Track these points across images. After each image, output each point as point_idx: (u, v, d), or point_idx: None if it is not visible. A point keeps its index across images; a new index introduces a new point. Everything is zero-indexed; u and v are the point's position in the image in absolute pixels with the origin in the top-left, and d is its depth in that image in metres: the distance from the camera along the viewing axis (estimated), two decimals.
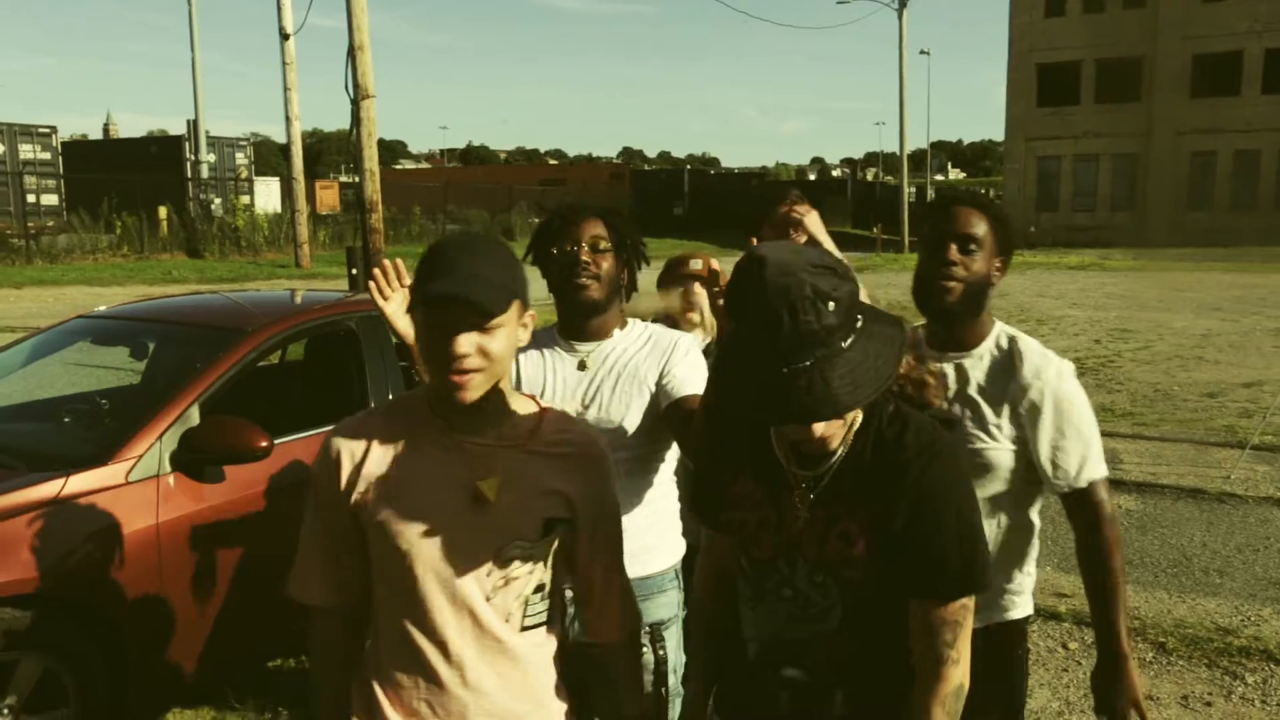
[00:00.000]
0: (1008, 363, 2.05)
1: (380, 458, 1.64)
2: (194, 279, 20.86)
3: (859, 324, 1.38)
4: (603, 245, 2.26)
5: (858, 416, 1.51)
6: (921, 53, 65.91)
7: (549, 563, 1.68)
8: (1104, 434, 7.58)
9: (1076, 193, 39.34)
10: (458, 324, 1.54)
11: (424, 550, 1.60)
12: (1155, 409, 8.68)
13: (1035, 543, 2.17)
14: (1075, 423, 2.03)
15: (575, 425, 1.76)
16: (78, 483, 3.00)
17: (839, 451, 1.50)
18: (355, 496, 1.63)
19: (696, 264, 3.01)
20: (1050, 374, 2.03)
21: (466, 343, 1.54)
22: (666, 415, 2.28)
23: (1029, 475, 2.08)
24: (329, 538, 1.68)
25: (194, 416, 3.27)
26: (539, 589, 1.67)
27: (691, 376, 2.30)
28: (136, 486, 3.08)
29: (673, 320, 2.97)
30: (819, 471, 1.50)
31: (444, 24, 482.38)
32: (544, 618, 1.70)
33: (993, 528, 2.05)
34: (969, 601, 1.48)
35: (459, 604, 1.61)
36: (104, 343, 4.36)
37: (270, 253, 26.28)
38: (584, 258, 2.24)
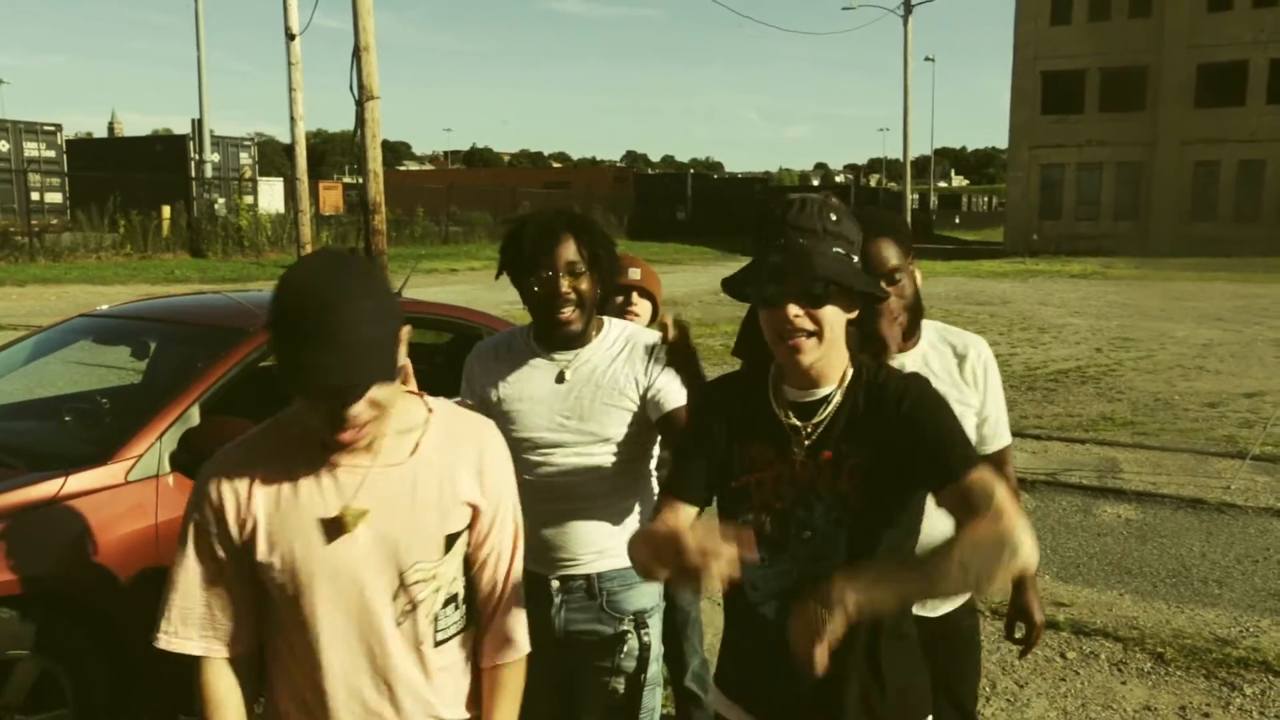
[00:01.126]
0: (950, 345, 2.31)
1: (264, 495, 1.54)
2: (196, 278, 20.88)
3: (854, 259, 1.66)
4: (579, 269, 2.24)
5: (849, 370, 1.69)
6: (926, 59, 66.04)
7: (456, 574, 1.64)
8: (1104, 443, 7.52)
9: (1080, 201, 39.33)
10: (345, 400, 1.45)
11: (322, 588, 1.54)
12: (1156, 418, 8.67)
13: None
14: (1000, 394, 2.33)
15: (465, 419, 1.70)
16: (77, 482, 3.00)
17: (834, 399, 1.68)
18: (243, 537, 1.54)
19: (635, 273, 2.99)
20: (987, 353, 2.32)
21: (359, 407, 1.46)
22: (659, 428, 2.31)
23: None
24: (211, 582, 1.57)
25: (194, 417, 3.27)
26: (449, 601, 1.63)
27: (675, 385, 2.31)
28: (136, 486, 3.08)
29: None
30: (818, 420, 1.67)
31: (449, 26, 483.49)
32: (459, 626, 1.66)
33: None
34: (984, 470, 1.60)
35: (367, 637, 1.56)
36: (105, 342, 4.36)
37: (273, 253, 26.30)
38: (563, 289, 2.22)
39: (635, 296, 2.99)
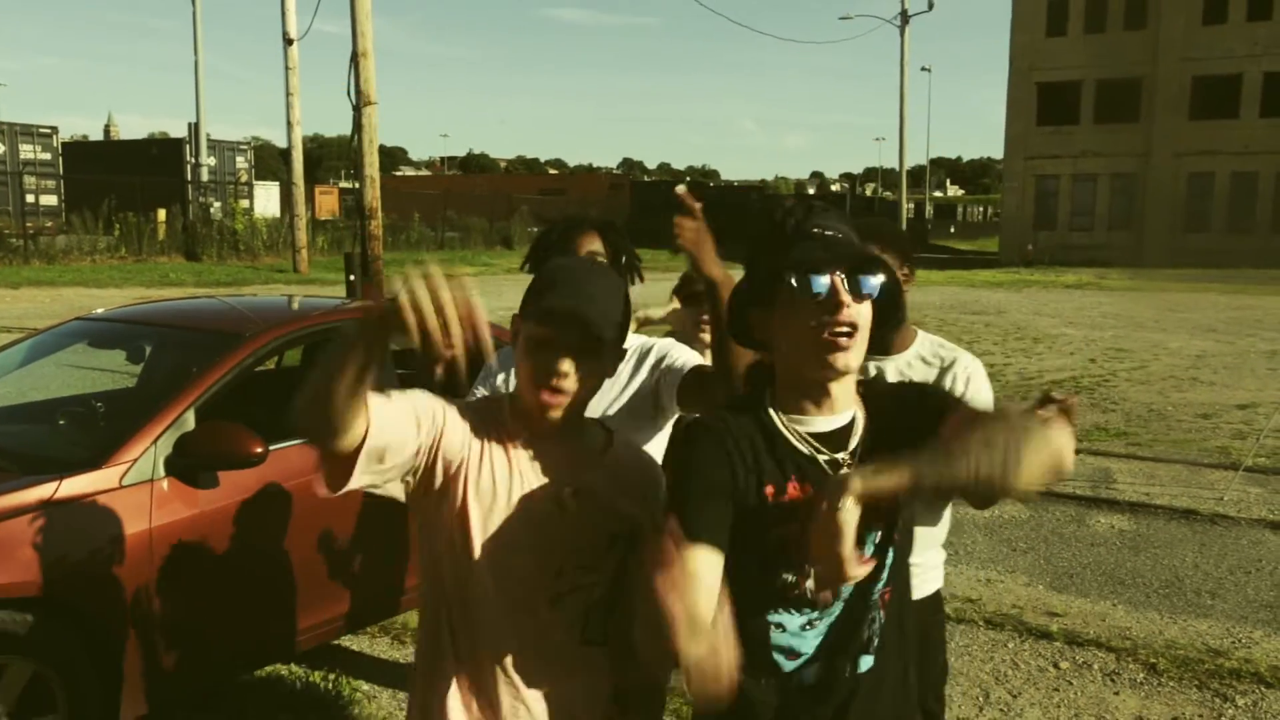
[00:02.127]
0: (936, 356, 2.38)
1: (475, 446, 1.64)
2: (191, 282, 20.85)
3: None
4: (600, 259, 2.27)
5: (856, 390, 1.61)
6: (922, 69, 66.32)
7: (615, 580, 1.71)
8: (1098, 453, 7.53)
9: (1074, 212, 39.47)
10: (565, 341, 1.60)
11: (496, 548, 1.62)
12: (1149, 429, 8.69)
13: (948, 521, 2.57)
14: (986, 401, 2.36)
15: (640, 449, 1.84)
16: (71, 486, 3.00)
17: (859, 421, 1.57)
18: (448, 462, 1.60)
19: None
20: (975, 369, 2.37)
21: (568, 363, 1.60)
22: (683, 391, 2.20)
23: None
24: (399, 423, 1.53)
25: (189, 421, 3.27)
26: (603, 603, 1.70)
27: (687, 354, 2.30)
28: (130, 491, 3.08)
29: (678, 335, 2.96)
30: (853, 447, 1.55)
31: (447, 33, 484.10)
32: (605, 636, 1.72)
33: (932, 518, 2.42)
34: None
35: (525, 606, 1.64)
36: (101, 345, 4.36)
37: (268, 257, 26.28)
38: None
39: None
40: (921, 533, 2.26)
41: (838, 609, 1.54)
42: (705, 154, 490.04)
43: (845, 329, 1.47)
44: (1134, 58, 37.66)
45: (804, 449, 1.53)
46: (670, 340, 2.44)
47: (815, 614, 1.53)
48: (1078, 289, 25.40)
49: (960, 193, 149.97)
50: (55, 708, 2.93)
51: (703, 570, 1.44)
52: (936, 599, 2.54)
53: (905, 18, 36.91)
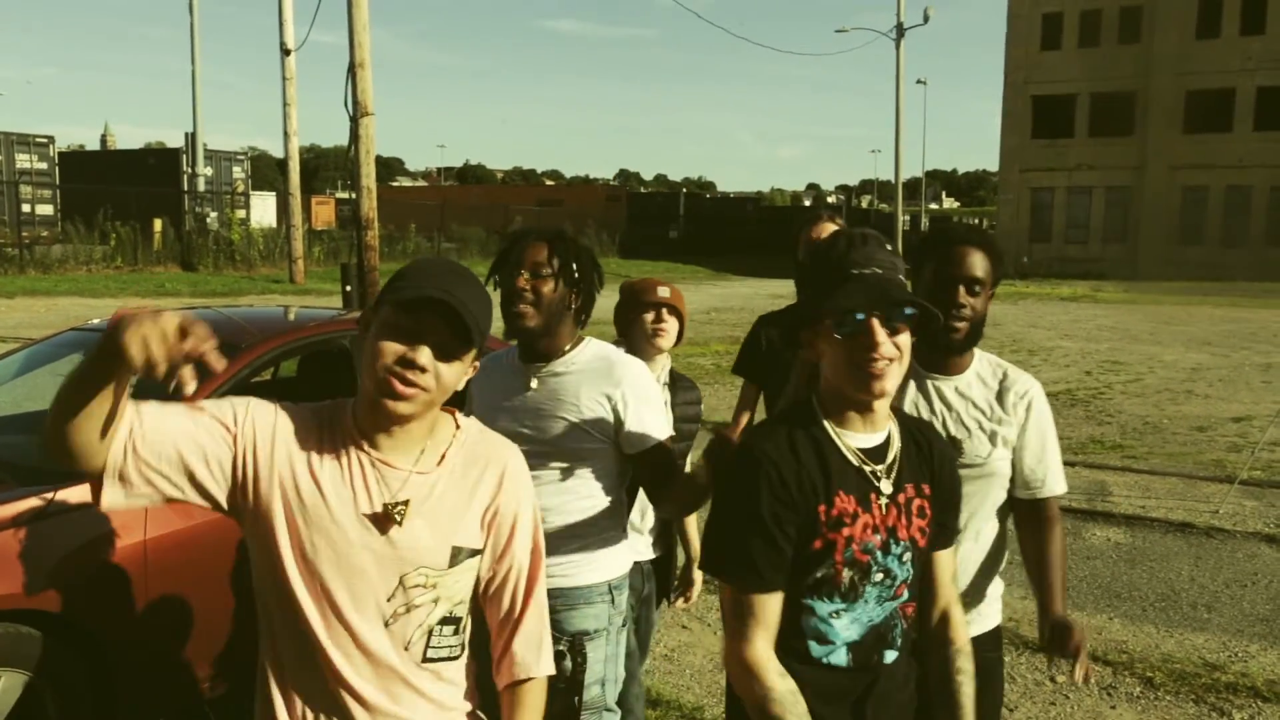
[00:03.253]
0: (998, 380, 2.25)
1: (299, 455, 1.56)
2: (187, 292, 20.82)
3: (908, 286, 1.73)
4: (544, 271, 2.28)
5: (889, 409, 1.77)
6: (918, 82, 66.50)
7: (462, 596, 1.64)
8: (1094, 466, 7.51)
9: (1069, 224, 39.60)
10: (426, 335, 1.52)
11: (323, 566, 1.55)
12: (1145, 442, 8.70)
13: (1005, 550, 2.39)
14: (1053, 437, 2.27)
15: (489, 439, 1.72)
16: (65, 497, 2.99)
17: (896, 438, 1.75)
18: (261, 470, 1.53)
19: (664, 291, 3.01)
20: (1035, 391, 2.26)
21: (427, 356, 1.52)
22: (635, 466, 2.30)
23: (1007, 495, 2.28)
24: (189, 436, 1.51)
25: None
26: (448, 621, 1.62)
27: (653, 421, 2.30)
28: None
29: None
30: (890, 461, 1.72)
31: (444, 44, 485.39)
32: (455, 652, 1.65)
33: (994, 535, 2.26)
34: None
35: (352, 627, 1.56)
36: None
37: (264, 267, 26.25)
38: (521, 285, 2.28)
39: (664, 314, 3.00)
40: (980, 561, 2.24)
41: (866, 605, 1.70)
42: (702, 165, 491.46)
43: (886, 359, 1.64)
44: (1128, 71, 37.86)
45: (853, 461, 1.70)
46: (641, 379, 2.36)
47: (843, 605, 1.69)
48: (1073, 301, 25.46)
49: (956, 205, 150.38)
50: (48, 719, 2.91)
51: (770, 612, 1.68)
52: (996, 635, 2.36)
53: (901, 31, 37.05)
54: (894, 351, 1.64)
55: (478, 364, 1.63)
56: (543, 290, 2.28)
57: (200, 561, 3.21)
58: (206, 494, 1.53)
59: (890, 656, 1.75)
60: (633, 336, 2.96)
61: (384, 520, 1.56)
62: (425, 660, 1.61)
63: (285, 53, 21.45)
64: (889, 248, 1.70)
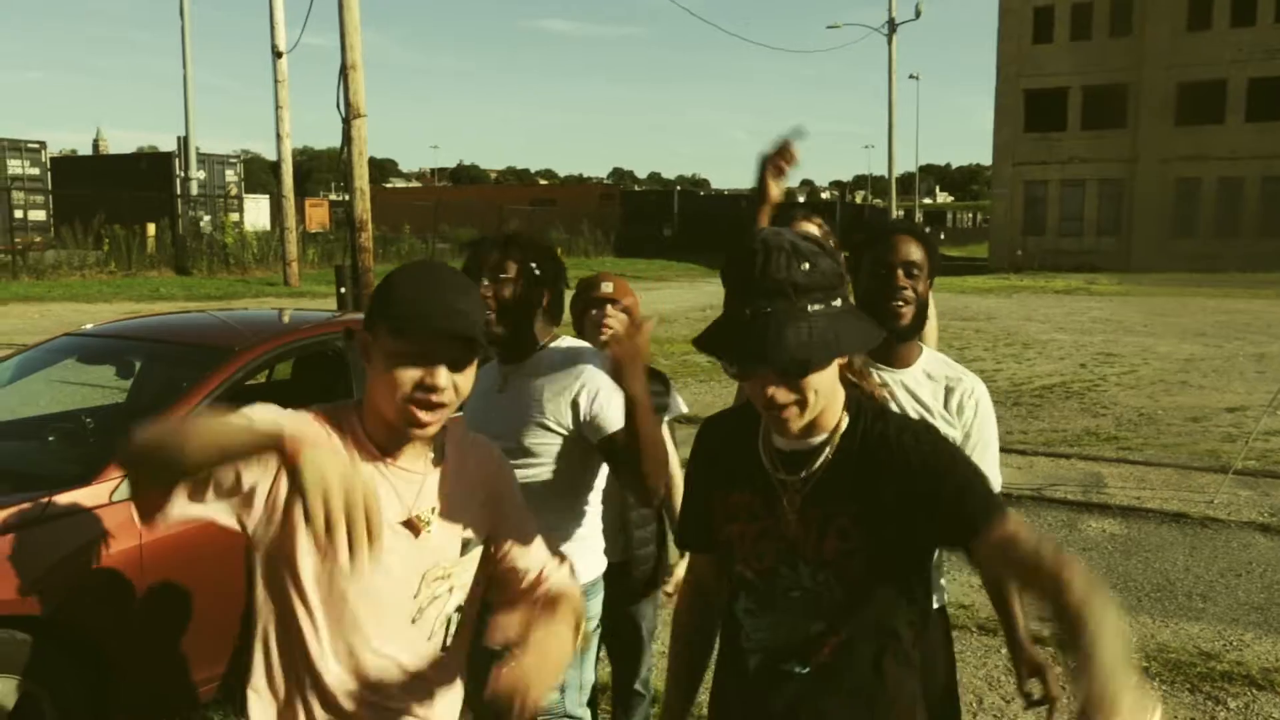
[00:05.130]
0: (943, 376, 2.29)
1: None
2: (182, 296, 20.79)
3: (834, 303, 1.47)
4: (503, 275, 2.30)
5: (844, 419, 1.55)
6: (911, 77, 66.43)
7: (468, 582, 1.70)
8: (1089, 458, 7.51)
9: (1063, 217, 39.66)
10: (439, 355, 1.51)
11: (355, 577, 1.57)
12: (1140, 433, 8.73)
13: None
14: (993, 437, 2.30)
15: (477, 441, 1.77)
16: (60, 503, 2.99)
17: (825, 453, 1.54)
18: (284, 487, 1.52)
19: (607, 286, 3.03)
20: (980, 391, 2.29)
21: (445, 376, 1.52)
22: (601, 451, 2.31)
23: None
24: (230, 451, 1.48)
25: None
26: (459, 609, 1.69)
27: (612, 408, 2.31)
28: (120, 507, 3.07)
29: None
30: (808, 474, 1.54)
31: (436, 45, 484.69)
32: (463, 641, 1.72)
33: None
34: (1015, 520, 1.46)
35: (385, 626, 1.60)
36: (90, 361, 4.35)
37: (259, 270, 26.21)
38: (482, 293, 2.27)
39: (610, 309, 3.01)
40: None
41: (782, 614, 1.57)
42: (695, 163, 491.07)
43: (784, 407, 1.48)
44: (1120, 64, 37.92)
45: (766, 463, 1.59)
46: (597, 374, 2.35)
47: (754, 605, 1.60)
48: (1067, 294, 25.50)
49: (949, 199, 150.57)
50: None
51: (699, 569, 1.77)
52: (944, 612, 2.42)
53: (893, 26, 37.08)
54: (791, 398, 1.46)
55: (472, 378, 1.65)
56: (504, 295, 2.30)
57: (196, 565, 3.21)
58: (239, 520, 1.56)
59: (801, 670, 1.58)
60: (584, 332, 2.99)
61: (414, 528, 1.60)
62: (444, 648, 1.67)
63: (277, 55, 21.41)
64: (805, 265, 1.43)
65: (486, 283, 2.30)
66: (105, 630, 3.00)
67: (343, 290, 12.22)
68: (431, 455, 1.64)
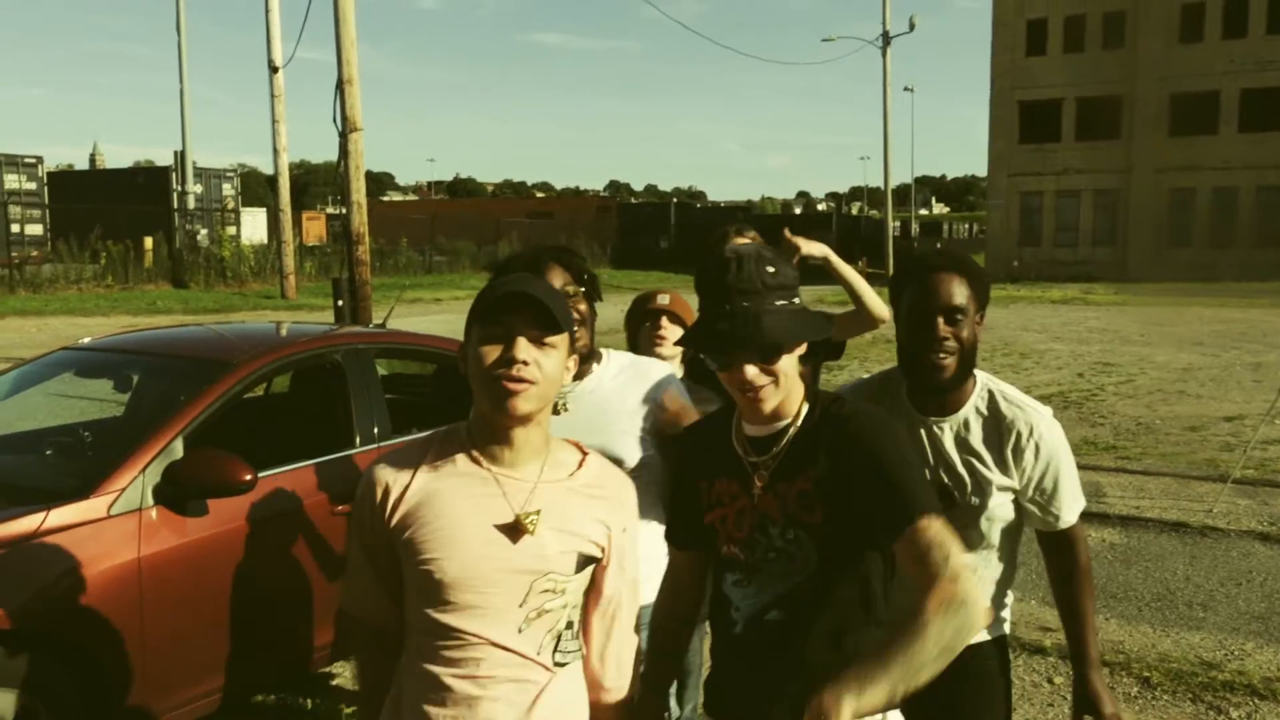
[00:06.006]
0: (997, 416, 2.11)
1: (421, 487, 1.65)
2: (179, 309, 20.78)
3: (795, 301, 1.72)
4: (571, 290, 2.29)
5: (804, 406, 1.76)
6: (905, 89, 66.89)
7: (579, 601, 1.70)
8: (1087, 467, 7.53)
9: (1059, 228, 39.79)
10: (519, 330, 1.59)
11: (459, 580, 1.60)
12: (1138, 442, 8.73)
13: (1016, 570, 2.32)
14: (1066, 469, 2.13)
15: (614, 470, 1.81)
16: (58, 516, 2.97)
17: (789, 433, 1.74)
18: (394, 524, 1.64)
19: (664, 299, 3.04)
20: (1040, 424, 2.10)
21: (525, 348, 1.58)
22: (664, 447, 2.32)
23: (1020, 518, 2.20)
24: (375, 565, 1.70)
25: (178, 449, 3.25)
26: (569, 625, 1.69)
27: (687, 406, 2.34)
28: (118, 520, 3.06)
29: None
30: (775, 451, 1.74)
31: (432, 58, 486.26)
32: (578, 656, 1.72)
33: (996, 567, 2.21)
34: (936, 522, 1.60)
35: (491, 635, 1.62)
36: (88, 374, 4.34)
37: (256, 283, 26.21)
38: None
39: (665, 321, 3.01)
40: (990, 585, 2.18)
41: (769, 578, 1.74)
42: (691, 175, 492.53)
43: (761, 386, 1.68)
44: (1113, 76, 38.12)
45: (738, 450, 1.78)
46: (665, 371, 2.44)
47: (741, 575, 1.77)
48: (1064, 304, 25.55)
49: (945, 210, 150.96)
50: None
51: (677, 568, 1.94)
52: (1000, 643, 2.25)
53: (887, 39, 37.24)
54: (765, 380, 1.69)
55: (574, 358, 1.71)
56: (581, 309, 2.30)
57: (195, 579, 3.20)
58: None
59: (774, 616, 1.75)
60: (638, 344, 3.00)
61: (516, 530, 1.62)
62: (555, 665, 1.67)
63: (273, 70, 21.47)
64: (770, 269, 1.68)
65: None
66: (103, 643, 2.98)
67: (340, 303, 12.20)
68: (547, 467, 1.68)
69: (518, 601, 1.62)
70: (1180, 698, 3.97)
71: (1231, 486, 6.89)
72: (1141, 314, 22.08)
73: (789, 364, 1.70)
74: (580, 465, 1.72)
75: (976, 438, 2.08)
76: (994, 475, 2.08)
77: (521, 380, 1.57)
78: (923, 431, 2.12)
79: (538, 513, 1.62)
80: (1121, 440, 8.83)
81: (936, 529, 1.58)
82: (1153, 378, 12.57)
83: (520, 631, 1.63)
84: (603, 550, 1.70)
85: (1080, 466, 7.62)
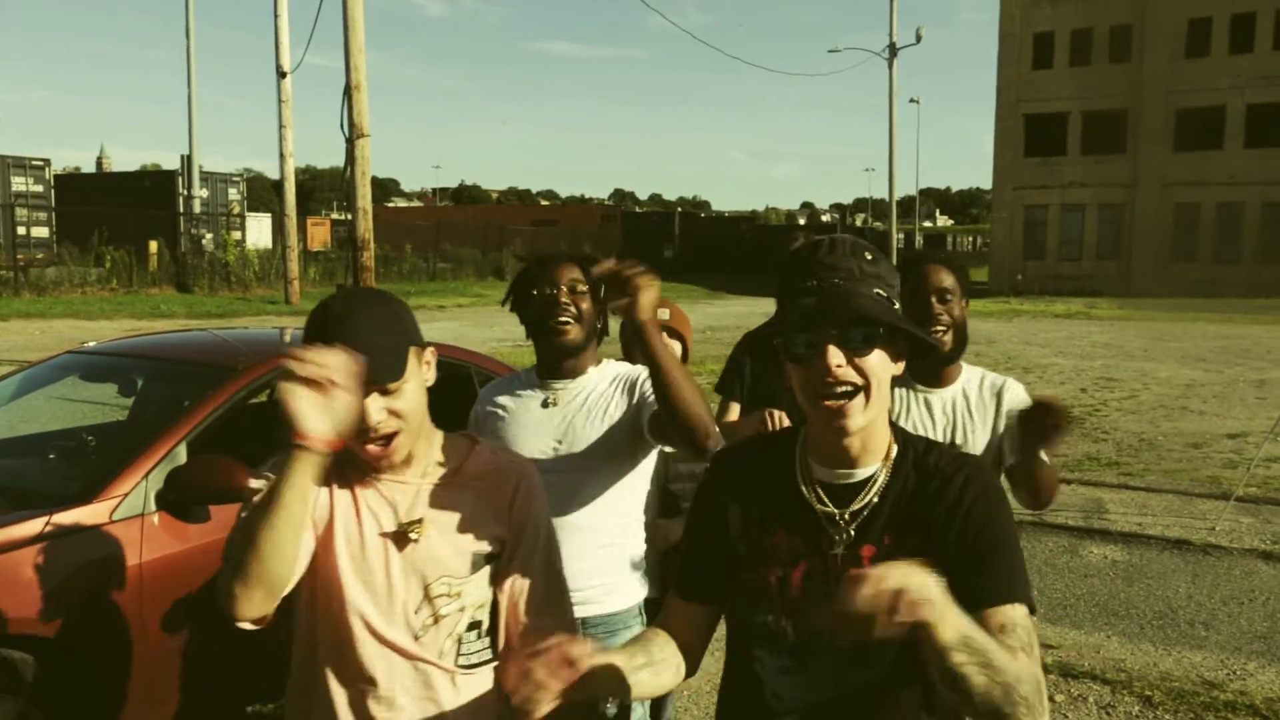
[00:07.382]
0: (989, 389, 2.51)
1: (327, 498, 1.66)
2: (183, 314, 20.81)
3: (894, 303, 1.44)
4: (580, 288, 2.34)
5: (893, 448, 1.47)
6: (911, 101, 66.82)
7: (483, 600, 1.69)
8: (1090, 483, 7.50)
9: (1063, 241, 39.77)
10: (366, 393, 1.55)
11: (350, 589, 1.61)
12: (1141, 459, 8.71)
13: None
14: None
15: (505, 453, 1.80)
16: (61, 521, 2.98)
17: (879, 480, 1.44)
18: (316, 530, 1.65)
19: (664, 313, 3.03)
20: (1019, 393, 2.50)
21: (375, 410, 1.57)
22: (653, 423, 2.24)
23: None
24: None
25: (181, 455, 3.25)
26: (474, 627, 1.68)
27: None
28: (120, 525, 3.06)
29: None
30: (858, 507, 1.43)
31: (439, 66, 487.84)
32: (486, 657, 1.70)
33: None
34: (1028, 615, 1.41)
35: (386, 642, 1.62)
36: (92, 379, 4.34)
37: (260, 288, 26.25)
38: (563, 299, 2.32)
39: (664, 337, 3.02)
40: None
41: (822, 669, 1.44)
42: (696, 185, 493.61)
43: (847, 389, 1.38)
44: (1119, 90, 38.14)
45: (808, 496, 1.46)
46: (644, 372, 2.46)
47: (791, 661, 1.45)
48: (1067, 318, 25.53)
49: (949, 223, 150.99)
50: None
51: (675, 624, 1.54)
52: None
53: (893, 51, 37.32)
54: (855, 377, 1.38)
55: (431, 349, 1.68)
56: (581, 306, 2.34)
57: (195, 584, 3.20)
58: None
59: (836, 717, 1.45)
60: (634, 356, 2.99)
61: (401, 539, 1.63)
62: (458, 668, 1.67)
63: (281, 75, 21.54)
64: (868, 255, 1.43)
65: (565, 291, 2.33)
66: (104, 650, 2.98)
67: None
68: (430, 466, 1.67)
69: (413, 608, 1.63)
70: (1182, 717, 3.95)
71: (1234, 504, 6.87)
72: (1145, 329, 22.05)
73: (882, 367, 1.39)
74: (468, 457, 1.71)
75: (973, 405, 2.47)
76: (978, 437, 2.44)
77: (384, 438, 1.60)
78: (911, 395, 2.46)
79: (419, 521, 1.63)
80: (1124, 456, 8.81)
81: (1028, 620, 1.38)
82: (1156, 393, 12.55)
83: (418, 639, 1.63)
84: (501, 544, 1.69)
85: (1082, 482, 7.58)
